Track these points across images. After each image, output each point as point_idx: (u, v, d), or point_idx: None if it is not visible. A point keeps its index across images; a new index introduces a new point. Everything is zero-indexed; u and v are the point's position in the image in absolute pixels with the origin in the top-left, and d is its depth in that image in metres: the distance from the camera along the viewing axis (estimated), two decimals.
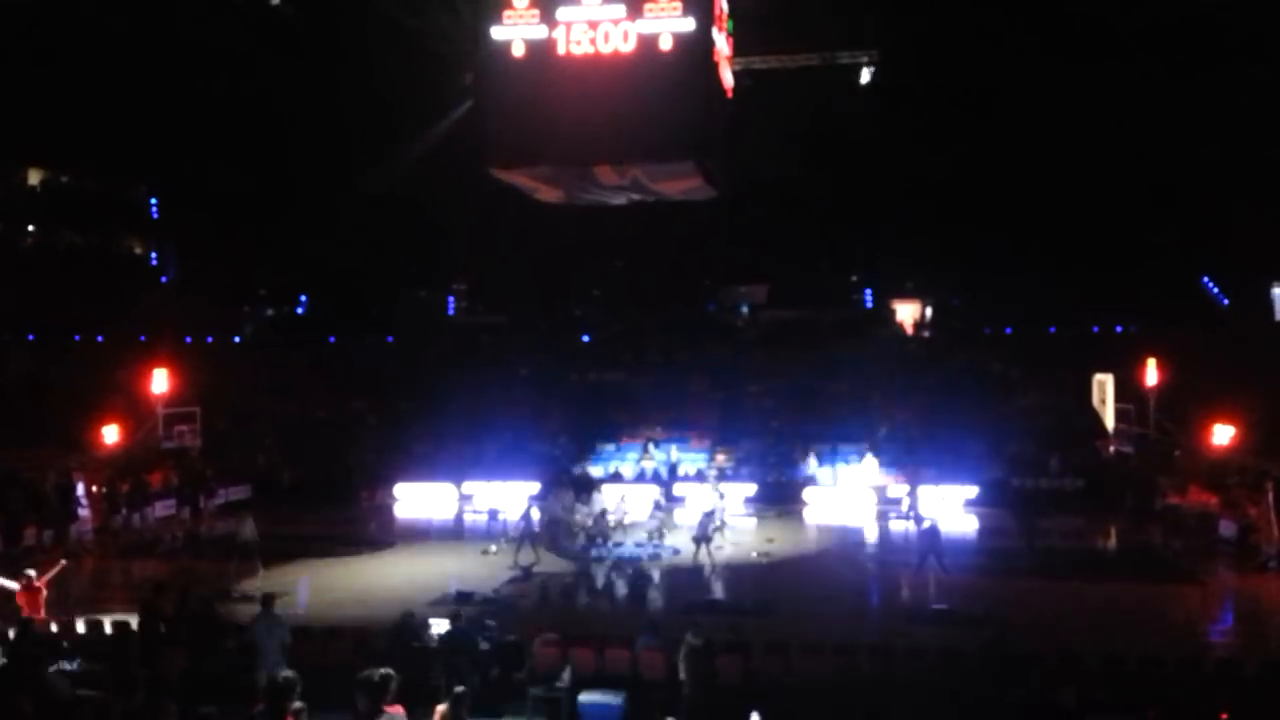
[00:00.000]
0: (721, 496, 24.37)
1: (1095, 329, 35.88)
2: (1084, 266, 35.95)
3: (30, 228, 41.28)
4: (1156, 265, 34.77)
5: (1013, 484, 28.18)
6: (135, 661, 12.14)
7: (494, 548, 23.16)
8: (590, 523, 23.53)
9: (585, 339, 41.71)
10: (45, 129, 36.14)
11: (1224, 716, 11.87)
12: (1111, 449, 26.47)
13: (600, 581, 20.56)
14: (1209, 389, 26.33)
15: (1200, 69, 31.32)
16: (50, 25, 31.89)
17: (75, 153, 39.66)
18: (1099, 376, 26.44)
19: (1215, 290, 37.90)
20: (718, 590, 19.57)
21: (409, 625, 13.77)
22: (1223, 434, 22.66)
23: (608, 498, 24.83)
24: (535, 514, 22.46)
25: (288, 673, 7.40)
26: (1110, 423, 25.95)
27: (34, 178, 41.57)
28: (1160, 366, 24.02)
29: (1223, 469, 24.14)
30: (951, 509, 26.23)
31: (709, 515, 22.18)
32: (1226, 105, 31.93)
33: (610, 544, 23.15)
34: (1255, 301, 37.44)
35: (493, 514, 28.16)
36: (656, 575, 20.68)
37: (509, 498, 27.55)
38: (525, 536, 21.86)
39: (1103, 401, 25.90)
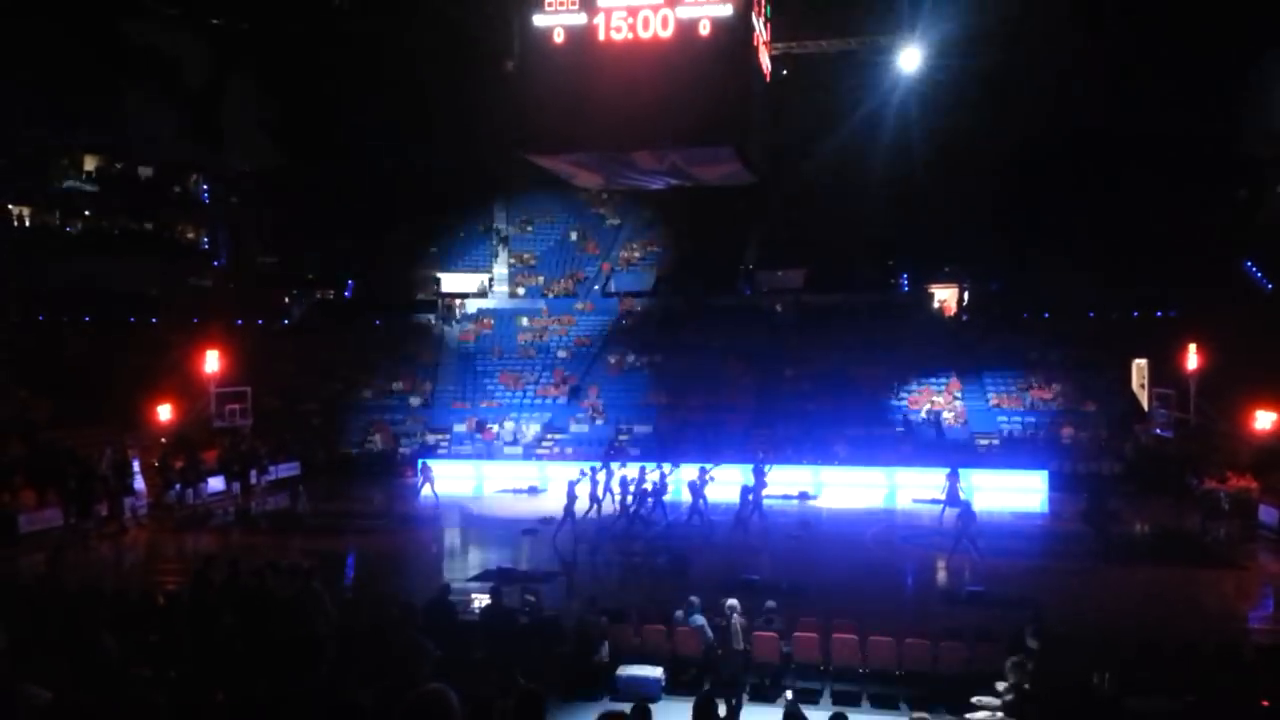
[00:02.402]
0: (760, 474, 24.55)
1: (1135, 314, 35.54)
2: (1123, 250, 35.56)
3: (86, 213, 42.43)
4: (1197, 249, 34.28)
5: (1065, 469, 28.24)
6: (186, 631, 12.55)
7: (535, 527, 23.67)
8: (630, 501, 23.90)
9: (622, 322, 41.99)
10: (101, 116, 37.06)
11: (1265, 704, 11.78)
12: (1150, 433, 26.30)
13: (638, 558, 20.91)
14: (1250, 374, 26.03)
15: (1242, 58, 30.80)
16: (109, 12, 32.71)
17: (129, 140, 40.61)
18: (1138, 361, 26.20)
19: (1258, 275, 37.22)
20: (754, 569, 19.81)
21: (449, 599, 14.18)
22: (1264, 419, 22.41)
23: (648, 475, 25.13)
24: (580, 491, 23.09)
25: None
26: (1146, 407, 25.76)
27: (90, 164, 42.70)
28: (1200, 351, 23.76)
29: (1264, 454, 23.89)
30: (991, 492, 26.24)
31: (745, 494, 22.47)
32: (1271, 90, 31.37)
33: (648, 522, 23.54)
34: None
35: (532, 492, 28.75)
36: (693, 553, 21.08)
37: (548, 476, 28.27)
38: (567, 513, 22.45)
39: (1141, 386, 25.67)
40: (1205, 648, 12.92)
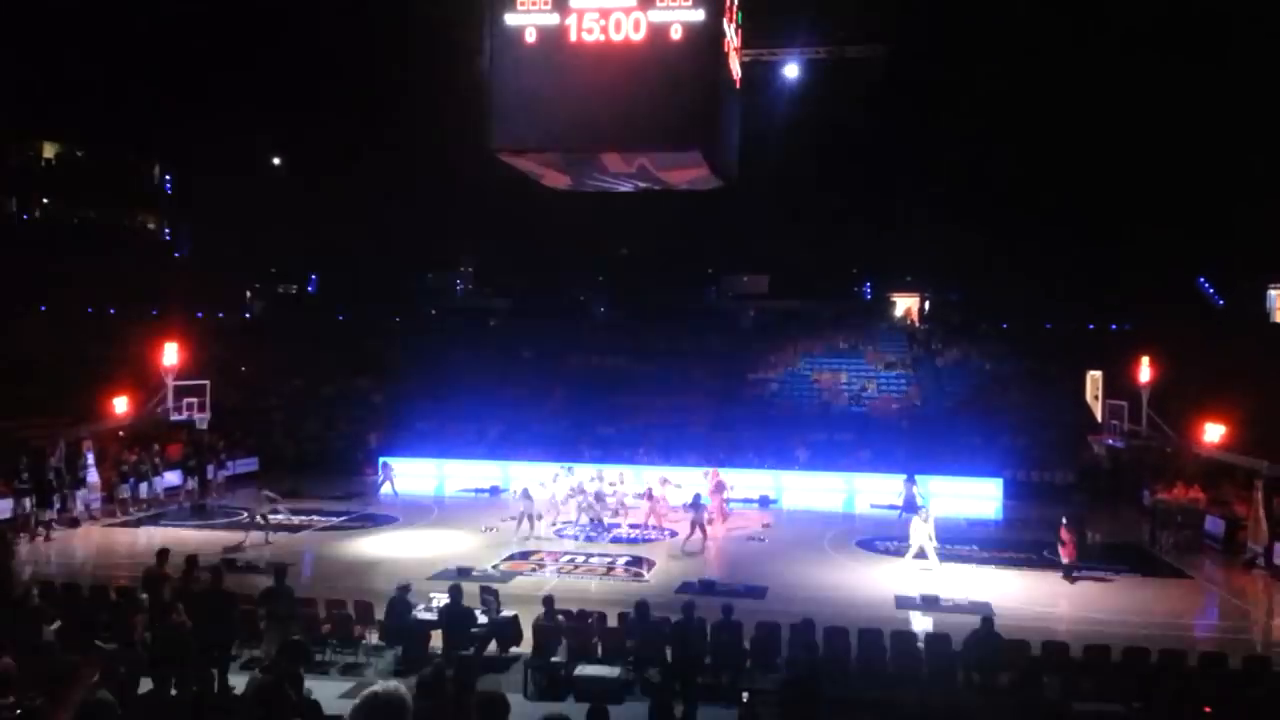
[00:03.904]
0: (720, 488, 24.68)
1: (1090, 326, 36.29)
2: (1080, 264, 36.31)
3: (45, 201, 41.62)
4: (1152, 265, 35.14)
5: (1019, 478, 28.74)
6: (139, 628, 12.40)
7: (495, 525, 23.66)
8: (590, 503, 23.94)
9: (588, 323, 42.06)
10: (60, 103, 36.39)
11: (1207, 709, 12.00)
12: (1103, 444, 26.79)
13: (596, 559, 20.96)
14: (1201, 388, 26.64)
15: (1200, 70, 31.58)
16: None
17: (90, 128, 39.91)
18: (1092, 373, 26.70)
19: (1210, 291, 38.35)
20: (712, 572, 19.96)
21: (407, 598, 14.13)
22: (1213, 432, 22.90)
23: (607, 479, 25.30)
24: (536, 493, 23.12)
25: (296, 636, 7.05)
26: (1099, 418, 26.28)
27: (49, 151, 41.88)
28: (1153, 364, 24.25)
29: (1211, 466, 24.42)
30: (947, 498, 26.59)
31: (701, 500, 22.62)
32: (1226, 107, 32.19)
33: (607, 524, 23.60)
34: (1251, 303, 37.86)
35: (494, 491, 28.68)
36: (653, 555, 21.18)
37: (510, 476, 28.26)
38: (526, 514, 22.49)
39: (1095, 398, 26.17)
40: (1151, 655, 13.17)
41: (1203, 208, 34.24)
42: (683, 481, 25.01)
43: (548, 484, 24.59)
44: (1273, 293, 37.69)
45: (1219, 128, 32.62)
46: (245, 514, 23.32)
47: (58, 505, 24.12)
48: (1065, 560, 19.55)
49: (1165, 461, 26.17)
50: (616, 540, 22.60)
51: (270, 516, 22.26)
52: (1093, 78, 32.84)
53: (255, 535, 22.07)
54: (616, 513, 24.68)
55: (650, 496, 23.60)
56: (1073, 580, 19.30)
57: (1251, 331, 34.63)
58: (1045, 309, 36.75)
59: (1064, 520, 20.10)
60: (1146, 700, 12.16)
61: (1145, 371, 24.26)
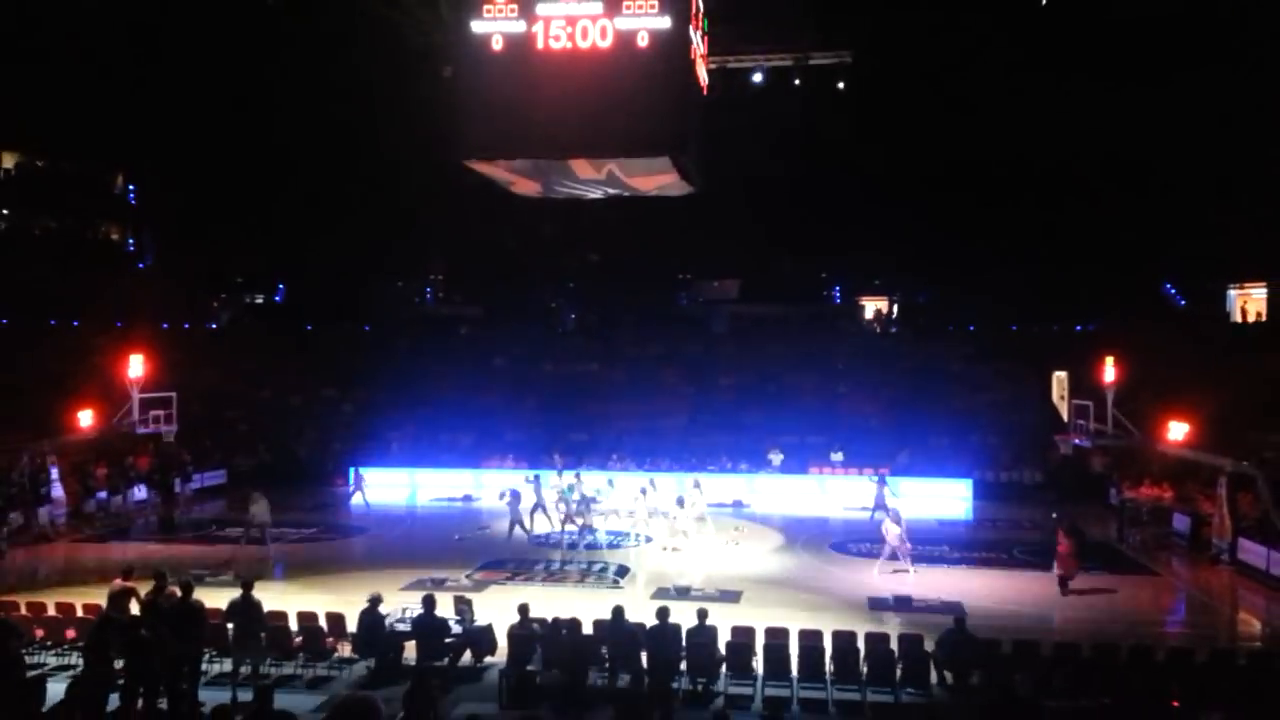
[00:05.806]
0: (697, 485, 24.65)
1: (1055, 327, 36.86)
2: (1046, 266, 36.82)
3: (4, 211, 40.91)
4: (1117, 267, 35.71)
5: (988, 478, 28.98)
6: (108, 645, 12.22)
7: (468, 534, 23.55)
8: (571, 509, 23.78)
9: (560, 330, 42.01)
10: (21, 111, 35.82)
11: (1175, 704, 12.28)
12: (1069, 443, 27.17)
13: (572, 566, 20.91)
14: (1165, 387, 27.06)
15: (1166, 75, 32.10)
16: (30, 6, 31.77)
17: (52, 136, 39.30)
18: (1058, 374, 27.08)
19: (1173, 292, 39.13)
20: (687, 577, 19.95)
21: (380, 609, 14.02)
22: (1178, 431, 23.27)
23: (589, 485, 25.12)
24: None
25: None
26: (1065, 418, 26.68)
27: (8, 160, 41.19)
28: (1118, 364, 24.61)
29: (1177, 465, 24.80)
30: (918, 500, 26.79)
31: (680, 504, 22.63)
32: (1190, 112, 32.74)
33: (585, 530, 23.47)
34: (1211, 304, 38.59)
35: (467, 500, 28.53)
36: (628, 561, 21.17)
37: (483, 484, 28.11)
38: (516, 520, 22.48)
39: (1062, 398, 26.53)
40: (1120, 650, 13.36)
41: (1165, 210, 34.83)
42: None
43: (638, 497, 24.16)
44: (1232, 293, 38.50)
45: (1184, 131, 33.16)
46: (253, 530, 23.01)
47: (19, 522, 23.69)
48: (1060, 572, 18.66)
49: (1131, 460, 26.53)
50: (592, 547, 22.54)
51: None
52: (1058, 81, 33.30)
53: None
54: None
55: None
56: (1066, 592, 18.59)
57: (1212, 331, 35.26)
58: (1012, 311, 37.29)
59: (1060, 526, 19.37)
60: (1116, 695, 12.36)
61: (1110, 371, 24.61)
